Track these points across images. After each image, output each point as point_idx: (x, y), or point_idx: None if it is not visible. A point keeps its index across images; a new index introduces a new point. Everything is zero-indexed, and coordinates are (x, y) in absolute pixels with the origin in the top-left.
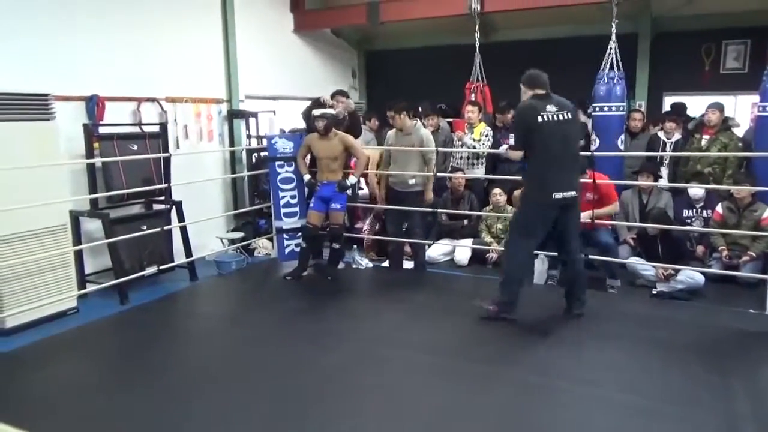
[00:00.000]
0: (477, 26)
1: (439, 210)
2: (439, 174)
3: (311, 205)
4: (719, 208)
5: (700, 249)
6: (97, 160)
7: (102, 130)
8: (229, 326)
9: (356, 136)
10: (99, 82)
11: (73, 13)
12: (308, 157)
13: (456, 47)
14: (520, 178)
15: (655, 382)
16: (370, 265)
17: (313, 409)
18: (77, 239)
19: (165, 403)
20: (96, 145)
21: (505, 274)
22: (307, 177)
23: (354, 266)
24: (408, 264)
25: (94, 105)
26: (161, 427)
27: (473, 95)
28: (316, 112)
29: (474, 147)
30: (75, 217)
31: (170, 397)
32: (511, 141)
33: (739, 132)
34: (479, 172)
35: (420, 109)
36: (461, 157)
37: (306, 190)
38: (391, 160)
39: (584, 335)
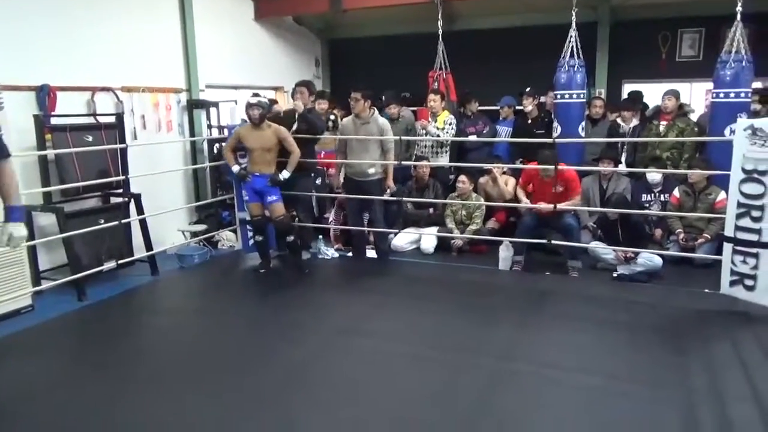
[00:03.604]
0: (440, 14)
1: (404, 199)
2: (404, 163)
3: (246, 198)
4: (676, 192)
5: (658, 232)
6: (50, 152)
7: (54, 120)
8: (192, 321)
9: (317, 133)
10: (50, 70)
11: None
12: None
13: (419, 36)
14: (487, 165)
15: (618, 362)
16: (336, 255)
17: (281, 401)
18: (30, 234)
19: (126, 401)
20: (48, 136)
21: None
22: (236, 168)
23: (320, 256)
24: (371, 253)
25: (45, 95)
26: (122, 426)
27: (436, 84)
28: (252, 99)
29: (438, 135)
30: (27, 212)
31: (131, 395)
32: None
33: (694, 117)
34: (443, 161)
35: (383, 98)
36: (425, 146)
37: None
38: (348, 150)
39: (548, 319)
